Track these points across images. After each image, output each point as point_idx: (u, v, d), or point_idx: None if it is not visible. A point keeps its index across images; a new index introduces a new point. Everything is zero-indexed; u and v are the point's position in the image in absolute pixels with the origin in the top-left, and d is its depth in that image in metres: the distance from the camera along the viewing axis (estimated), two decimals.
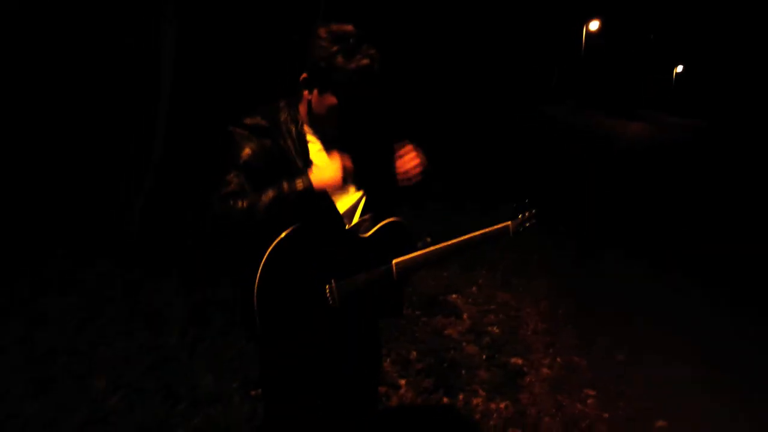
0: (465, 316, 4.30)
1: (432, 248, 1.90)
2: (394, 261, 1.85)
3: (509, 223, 2.01)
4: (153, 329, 3.43)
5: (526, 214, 2.05)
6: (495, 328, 4.15)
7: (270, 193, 1.67)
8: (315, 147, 1.82)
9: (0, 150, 4.44)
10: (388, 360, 3.48)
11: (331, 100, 1.73)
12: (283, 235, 1.67)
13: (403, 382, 3.34)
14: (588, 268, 5.63)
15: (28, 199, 4.42)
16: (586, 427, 3.14)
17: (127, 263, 4.09)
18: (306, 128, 1.81)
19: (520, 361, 3.72)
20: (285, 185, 1.68)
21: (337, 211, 1.82)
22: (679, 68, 42.91)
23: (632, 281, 5.34)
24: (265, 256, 1.67)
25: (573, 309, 4.63)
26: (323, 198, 1.76)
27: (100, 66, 4.89)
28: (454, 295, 4.60)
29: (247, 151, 1.72)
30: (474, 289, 4.79)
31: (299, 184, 1.68)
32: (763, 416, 3.30)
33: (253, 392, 2.97)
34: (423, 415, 3.09)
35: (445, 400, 3.25)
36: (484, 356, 3.72)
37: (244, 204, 1.65)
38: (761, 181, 10.72)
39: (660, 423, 3.22)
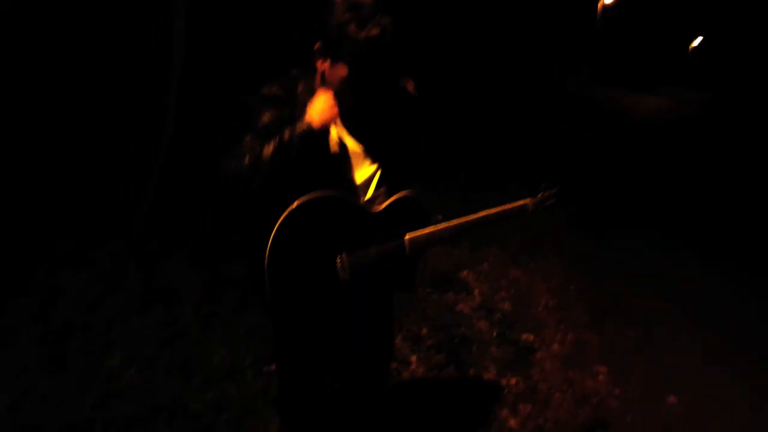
0: (476, 292, 4.30)
1: (447, 224, 1.89)
2: (407, 236, 1.83)
3: (528, 200, 2.00)
4: (167, 306, 3.46)
5: (546, 192, 2.03)
6: (506, 305, 4.15)
7: (273, 143, 1.66)
8: None
9: (15, 131, 4.47)
10: (399, 336, 3.50)
11: (343, 70, 1.70)
12: (294, 205, 1.65)
13: (414, 357, 3.36)
14: (599, 245, 5.60)
15: (42, 178, 4.44)
16: (597, 402, 3.16)
17: (140, 242, 4.12)
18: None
19: (531, 338, 3.73)
20: (286, 132, 1.66)
21: (347, 175, 1.79)
22: (698, 41, 42.11)
23: (643, 258, 5.31)
24: (277, 226, 1.65)
25: (584, 285, 4.62)
26: (323, 139, 1.73)
27: (108, 47, 4.88)
28: (465, 272, 4.60)
29: (265, 117, 1.71)
30: (485, 266, 4.79)
31: (299, 127, 1.66)
32: None
33: (266, 368, 3.00)
34: (434, 390, 3.11)
35: (456, 375, 3.27)
36: (495, 332, 3.73)
37: (250, 159, 1.64)
38: None
39: (671, 399, 3.23)
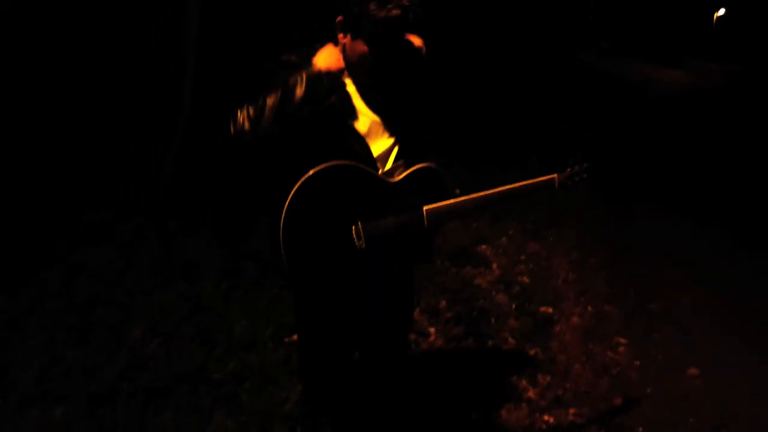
0: (495, 266, 4.29)
1: (468, 198, 1.86)
2: (425, 208, 1.82)
3: (555, 176, 1.95)
4: (188, 279, 3.51)
5: (576, 168, 1.98)
6: (525, 278, 4.14)
7: (278, 91, 1.66)
8: (350, 90, 1.80)
9: (36, 109, 4.51)
10: (417, 309, 3.51)
11: (363, 47, 1.70)
12: (311, 172, 1.65)
13: (432, 330, 3.38)
14: (620, 220, 5.55)
15: (64, 155, 4.49)
16: (617, 374, 3.15)
17: (160, 217, 4.16)
18: (345, 74, 1.79)
19: (550, 310, 3.72)
20: (291, 78, 1.66)
21: (363, 143, 1.79)
22: (721, 11, 41.11)
23: (665, 233, 5.25)
24: (292, 193, 1.65)
25: (604, 259, 4.58)
26: (331, 90, 1.72)
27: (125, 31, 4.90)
28: (483, 246, 4.59)
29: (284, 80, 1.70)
30: (504, 239, 4.77)
31: (305, 72, 1.66)
32: None
33: (286, 339, 3.04)
34: (453, 361, 3.13)
35: (475, 347, 3.28)
36: (513, 305, 3.73)
37: (255, 110, 1.65)
38: None
39: (692, 370, 3.21)
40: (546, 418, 2.74)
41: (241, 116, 1.67)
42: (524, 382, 2.98)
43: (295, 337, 2.94)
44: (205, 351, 2.89)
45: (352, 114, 1.78)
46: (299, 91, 1.66)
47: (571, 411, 2.81)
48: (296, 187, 1.65)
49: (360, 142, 1.77)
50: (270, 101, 1.66)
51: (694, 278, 4.28)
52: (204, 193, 4.50)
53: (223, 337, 3.01)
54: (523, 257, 4.49)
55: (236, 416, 2.50)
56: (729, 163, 7.80)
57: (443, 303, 3.65)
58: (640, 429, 2.74)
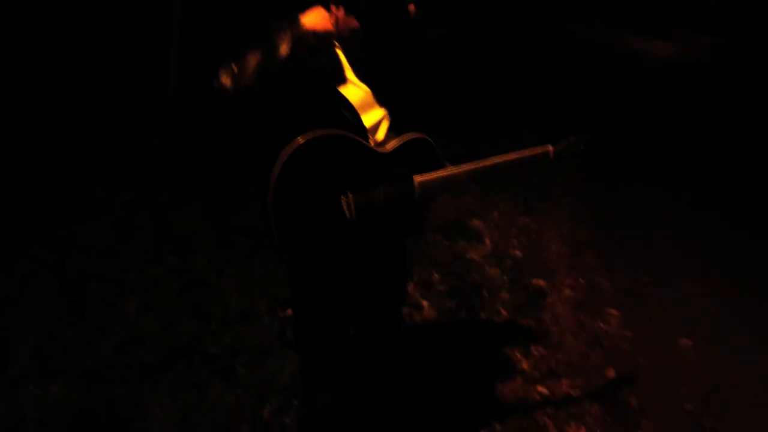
0: (487, 240, 4.30)
1: (459, 169, 1.83)
2: (416, 179, 1.80)
3: (550, 147, 1.91)
4: (180, 255, 3.50)
5: (572, 139, 1.94)
6: (517, 252, 4.16)
7: (262, 49, 1.63)
8: (341, 59, 1.77)
9: (28, 87, 4.45)
10: (410, 283, 3.52)
11: (354, 23, 1.68)
12: (300, 141, 1.61)
13: (425, 303, 3.39)
14: (612, 192, 5.57)
15: (55, 131, 4.44)
16: (609, 345, 3.19)
17: (151, 192, 4.13)
18: (335, 44, 1.76)
19: (542, 283, 3.75)
20: (275, 35, 1.62)
21: (349, 104, 1.74)
22: None
23: (656, 205, 5.27)
24: (281, 162, 1.61)
25: (596, 232, 4.61)
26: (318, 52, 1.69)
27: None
28: (475, 220, 4.59)
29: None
30: (495, 214, 4.78)
31: (290, 29, 1.63)
32: None
33: (281, 312, 3.04)
34: (446, 334, 3.15)
35: (468, 320, 3.30)
36: (506, 278, 3.75)
37: (236, 69, 1.62)
38: None
39: (684, 341, 3.25)
40: (540, 389, 2.78)
41: (224, 73, 1.64)
42: (518, 354, 3.01)
43: (290, 311, 2.94)
44: (200, 325, 2.90)
45: (341, 78, 1.74)
46: (284, 50, 1.62)
47: (565, 382, 2.84)
48: (285, 155, 1.61)
49: (350, 111, 1.74)
50: (253, 58, 1.62)
51: (686, 249, 4.32)
52: (194, 168, 4.47)
53: (217, 311, 3.01)
54: (514, 231, 4.51)
55: (233, 389, 2.52)
56: (719, 136, 7.83)
57: (436, 276, 3.66)
58: (633, 399, 2.78)
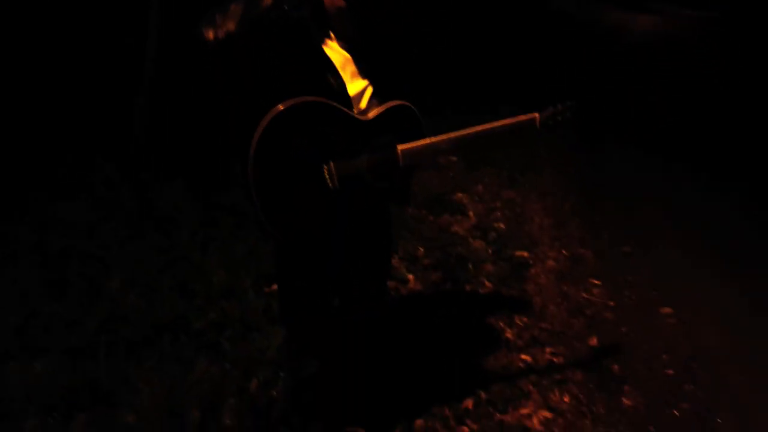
0: (471, 213, 4.32)
1: (443, 137, 1.81)
2: (399, 147, 1.78)
3: (536, 115, 1.88)
4: (163, 231, 3.47)
5: (559, 107, 1.90)
6: (501, 224, 4.18)
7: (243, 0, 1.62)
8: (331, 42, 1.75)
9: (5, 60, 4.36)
10: (395, 256, 3.53)
11: (340, 3, 1.65)
12: (280, 108, 1.59)
13: (411, 276, 3.41)
14: (594, 162, 5.61)
15: (31, 106, 4.36)
16: (592, 314, 3.23)
17: (132, 168, 4.08)
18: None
19: (526, 254, 3.77)
20: None
21: (334, 68, 1.72)
22: None
23: (640, 176, 5.33)
24: (260, 130, 1.59)
25: (579, 203, 4.65)
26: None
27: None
28: (459, 194, 4.61)
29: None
30: (480, 187, 4.79)
31: None
32: (765, 299, 3.39)
33: (266, 288, 3.04)
34: (432, 305, 3.17)
35: (453, 291, 3.32)
36: (490, 251, 3.77)
37: (218, 19, 1.60)
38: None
39: (665, 310, 3.31)
40: (523, 357, 2.81)
41: (207, 23, 1.62)
42: (501, 324, 3.04)
43: (275, 286, 2.94)
44: (185, 301, 2.88)
45: (324, 35, 1.72)
46: (270, 24, 1.61)
47: (548, 350, 2.88)
48: (265, 122, 1.59)
49: (335, 77, 1.72)
50: (236, 7, 1.60)
51: (668, 219, 4.38)
52: (176, 143, 4.42)
53: (202, 287, 2.99)
54: (498, 204, 4.53)
55: (219, 363, 2.51)
56: (704, 106, 7.88)
57: (421, 250, 3.67)
58: (615, 366, 2.82)
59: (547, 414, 2.47)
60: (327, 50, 1.72)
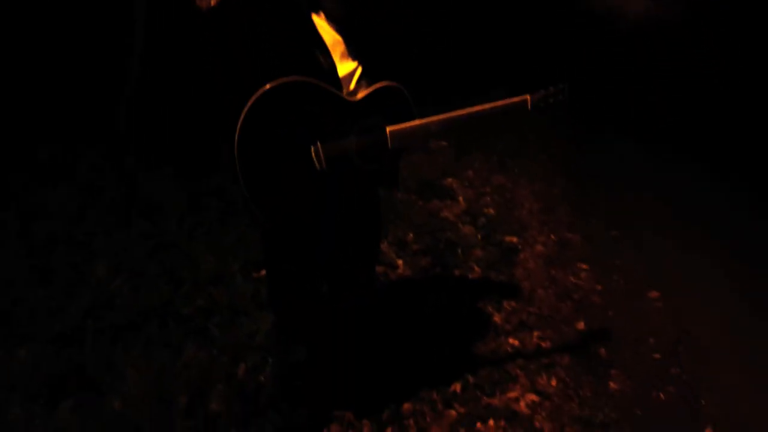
0: (461, 198, 4.31)
1: (432, 119, 1.79)
2: (388, 129, 1.76)
3: (527, 96, 1.86)
4: (150, 217, 3.44)
5: (551, 89, 1.88)
6: (490, 209, 4.18)
7: None
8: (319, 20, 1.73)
9: None
10: (384, 242, 3.52)
11: None
12: (267, 87, 1.57)
13: (400, 262, 3.40)
14: (585, 149, 5.61)
15: (19, 93, 4.30)
16: (580, 298, 3.24)
17: (117, 153, 4.04)
18: None
19: (515, 240, 3.78)
20: None
21: (324, 46, 1.70)
22: None
23: (629, 161, 5.32)
24: (245, 110, 1.57)
25: (568, 188, 4.66)
26: None
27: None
28: (449, 179, 4.59)
29: None
30: (470, 172, 4.78)
31: None
32: (751, 283, 3.41)
33: (255, 274, 3.02)
34: (421, 291, 3.17)
35: (442, 276, 3.32)
36: (479, 236, 3.77)
37: None
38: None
39: (653, 293, 3.32)
40: (511, 341, 2.82)
41: None
42: (490, 308, 3.04)
43: (263, 271, 2.93)
44: (172, 288, 2.86)
45: (316, 14, 1.71)
46: None
47: (536, 334, 2.89)
48: (251, 101, 1.57)
49: (325, 54, 1.70)
50: None
51: (656, 204, 4.39)
52: (163, 128, 4.37)
53: (189, 274, 2.97)
54: (488, 189, 4.52)
55: (207, 349, 2.50)
56: (696, 92, 7.87)
57: (410, 236, 3.67)
58: (602, 350, 2.84)
59: (534, 397, 2.48)
60: (318, 28, 1.70)
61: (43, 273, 2.89)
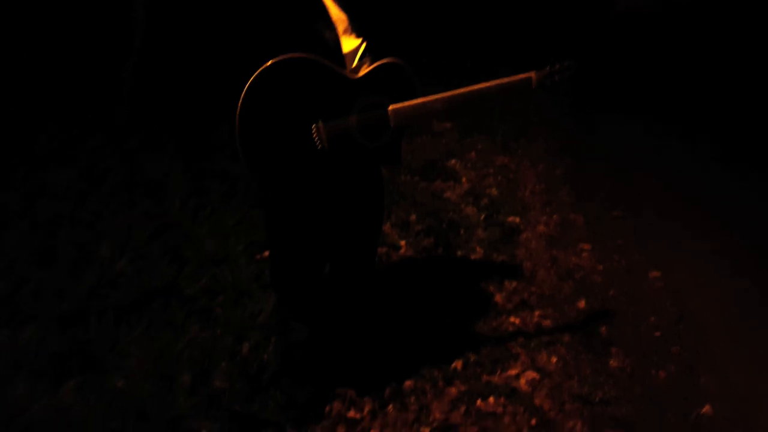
0: (464, 179, 4.31)
1: (436, 97, 1.76)
2: (391, 107, 1.75)
3: (532, 74, 1.82)
4: (154, 198, 3.45)
5: (557, 66, 1.84)
6: (493, 190, 4.17)
7: None
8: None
9: None
10: (387, 223, 3.53)
11: None
12: (268, 63, 1.58)
13: (403, 243, 3.41)
14: (588, 131, 5.58)
15: (23, 75, 4.30)
16: (581, 278, 3.25)
17: (121, 135, 4.04)
18: None
19: (517, 220, 3.78)
20: None
21: (329, 21, 1.70)
22: None
23: (632, 142, 5.30)
24: (247, 86, 1.58)
25: (571, 169, 4.65)
26: None
27: None
28: (452, 161, 4.59)
29: None
30: (473, 154, 4.77)
31: None
32: (752, 263, 3.41)
33: (258, 255, 3.04)
34: (423, 270, 3.18)
35: (445, 257, 3.33)
36: (482, 216, 3.77)
37: None
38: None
39: (654, 273, 3.32)
40: (512, 319, 2.83)
41: None
42: (492, 288, 3.05)
43: (266, 253, 2.94)
44: (176, 268, 2.88)
45: None
46: None
47: (537, 313, 2.90)
48: (253, 77, 1.57)
49: (330, 30, 1.69)
50: None
51: (657, 184, 4.37)
52: (164, 110, 4.37)
53: (192, 254, 2.99)
54: (491, 170, 4.51)
55: (211, 329, 2.53)
56: (695, 72, 7.80)
57: (413, 216, 3.67)
58: (603, 328, 2.85)
59: (534, 375, 2.50)
60: (325, 2, 1.69)
61: (47, 253, 2.91)
